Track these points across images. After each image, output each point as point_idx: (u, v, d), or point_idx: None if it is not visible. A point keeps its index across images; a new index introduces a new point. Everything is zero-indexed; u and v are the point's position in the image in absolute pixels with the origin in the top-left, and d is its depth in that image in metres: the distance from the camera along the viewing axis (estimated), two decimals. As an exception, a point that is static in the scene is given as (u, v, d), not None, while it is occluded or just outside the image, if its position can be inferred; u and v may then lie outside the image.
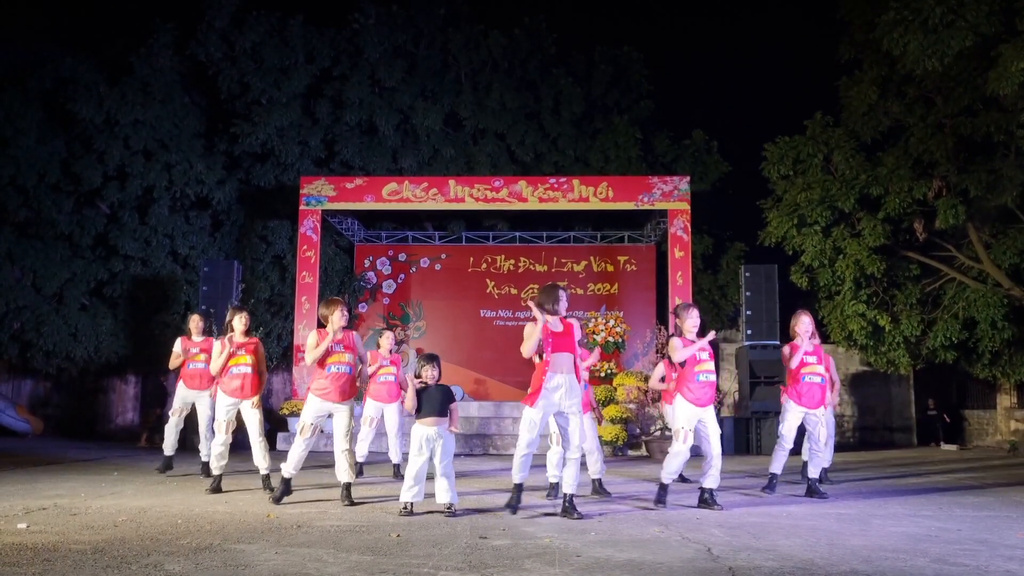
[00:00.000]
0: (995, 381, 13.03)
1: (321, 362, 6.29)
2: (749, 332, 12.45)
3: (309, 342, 6.35)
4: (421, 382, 5.93)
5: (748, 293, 12.59)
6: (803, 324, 7.09)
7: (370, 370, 8.20)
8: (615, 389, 12.05)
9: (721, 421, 12.01)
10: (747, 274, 12.71)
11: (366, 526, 5.16)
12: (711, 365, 6.24)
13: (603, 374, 12.51)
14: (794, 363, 7.02)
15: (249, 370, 6.94)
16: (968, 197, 11.06)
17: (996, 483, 8.09)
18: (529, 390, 5.78)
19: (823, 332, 12.88)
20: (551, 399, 5.65)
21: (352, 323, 14.67)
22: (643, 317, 14.56)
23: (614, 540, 4.74)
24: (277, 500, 6.16)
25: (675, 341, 6.33)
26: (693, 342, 6.24)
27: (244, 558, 4.13)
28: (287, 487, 6.28)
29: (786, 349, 7.15)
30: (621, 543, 4.65)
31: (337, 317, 6.35)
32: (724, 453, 11.56)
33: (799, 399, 7.01)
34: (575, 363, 5.75)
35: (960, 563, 4.16)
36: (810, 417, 7.01)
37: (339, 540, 4.66)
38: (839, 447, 13.18)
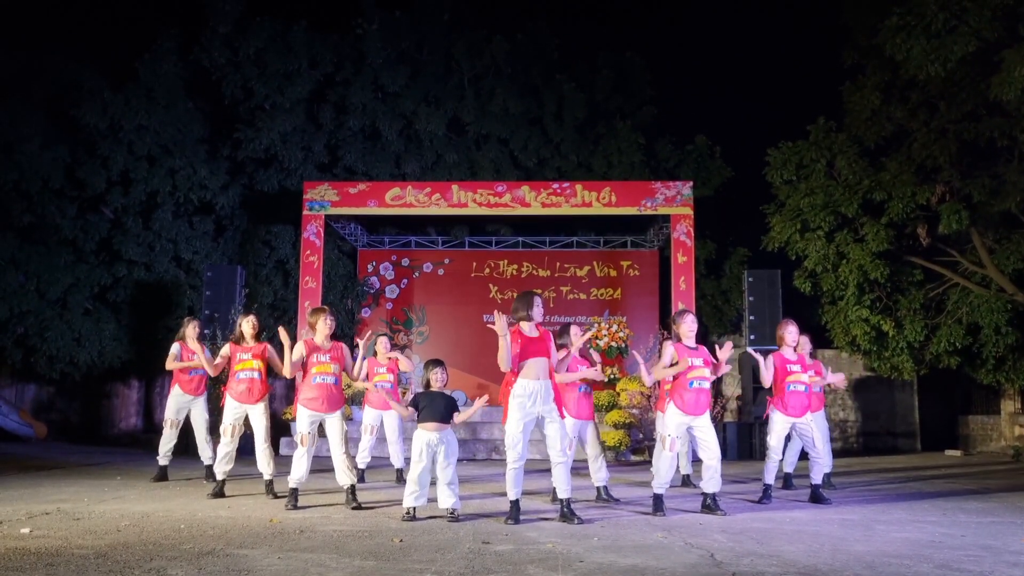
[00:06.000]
0: (999, 387, 12.98)
1: (306, 372, 6.34)
2: (752, 337, 12.44)
3: (293, 352, 6.42)
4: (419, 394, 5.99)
5: (751, 298, 12.57)
6: (791, 334, 7.08)
7: (364, 384, 8.20)
8: (618, 394, 12.04)
9: (724, 426, 12.06)
10: (750, 279, 12.69)
11: (368, 531, 5.16)
12: (705, 372, 6.12)
13: (607, 379, 12.50)
14: (768, 378, 6.98)
15: (256, 375, 6.96)
16: (971, 202, 11.04)
17: (1000, 489, 8.07)
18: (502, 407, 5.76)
19: (826, 338, 12.90)
20: (525, 407, 5.56)
21: (355, 328, 14.86)
22: (646, 322, 14.54)
23: (617, 545, 4.74)
24: (293, 507, 6.19)
25: (667, 345, 6.32)
26: (688, 347, 6.19)
27: (247, 563, 4.14)
28: (295, 496, 6.30)
29: (771, 359, 7.13)
30: (624, 548, 4.64)
31: (322, 326, 6.37)
32: (727, 459, 11.56)
33: (785, 409, 6.97)
34: (550, 369, 5.68)
35: (964, 569, 4.15)
36: (799, 426, 6.99)
37: (341, 545, 4.66)
38: (843, 452, 13.21)
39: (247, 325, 7.07)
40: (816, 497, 6.87)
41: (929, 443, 14.33)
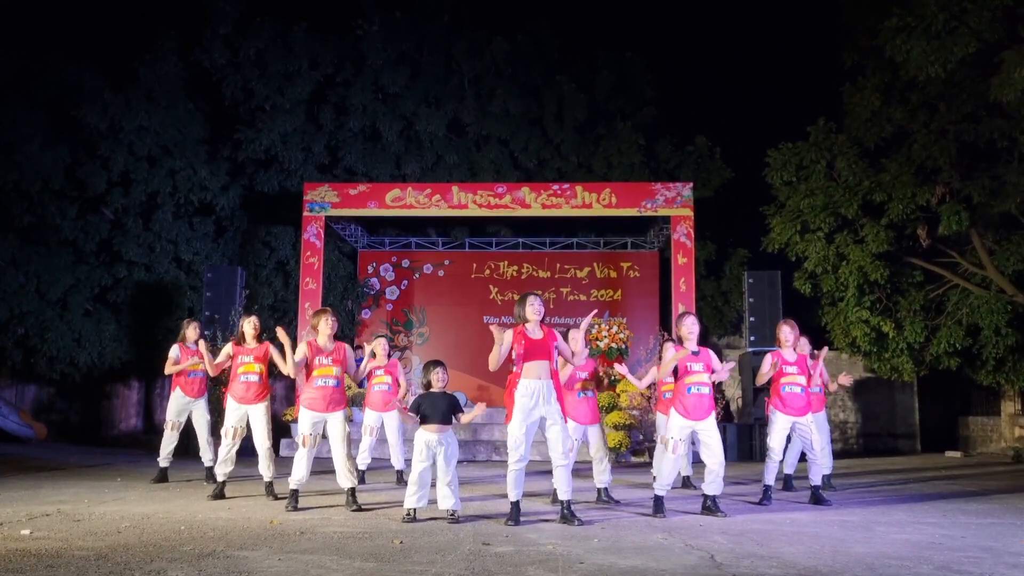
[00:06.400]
0: (999, 388, 12.98)
1: (308, 374, 6.35)
2: (752, 339, 12.43)
3: (296, 353, 6.41)
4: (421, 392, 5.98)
5: (751, 299, 12.57)
6: (783, 333, 7.12)
7: (363, 374, 8.20)
8: (618, 396, 12.04)
9: (724, 428, 12.04)
10: (750, 280, 12.69)
11: (369, 532, 5.16)
12: (703, 377, 6.11)
13: (607, 380, 12.49)
14: (764, 375, 7.05)
15: (256, 378, 6.96)
16: (971, 203, 11.04)
17: (1000, 490, 8.07)
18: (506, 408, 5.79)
19: (826, 339, 12.89)
20: (528, 407, 5.58)
21: (355, 329, 14.86)
22: (646, 323, 14.55)
23: (617, 547, 4.74)
24: (294, 509, 6.19)
25: (668, 346, 6.35)
26: (688, 351, 6.19)
27: (247, 565, 4.14)
28: (295, 498, 6.30)
29: (768, 358, 7.16)
30: (624, 550, 4.64)
31: (324, 327, 6.36)
32: (727, 460, 11.54)
33: (783, 407, 7.00)
34: (552, 370, 5.66)
35: (964, 570, 4.15)
36: (799, 426, 6.99)
37: (342, 546, 4.66)
38: (843, 454, 13.21)
39: (248, 326, 7.09)
40: (816, 498, 6.87)
41: (929, 444, 14.33)
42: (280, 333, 6.35)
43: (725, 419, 12.80)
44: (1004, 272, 11.23)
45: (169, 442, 8.31)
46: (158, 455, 8.32)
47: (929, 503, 6.97)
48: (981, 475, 9.78)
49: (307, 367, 6.41)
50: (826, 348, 6.82)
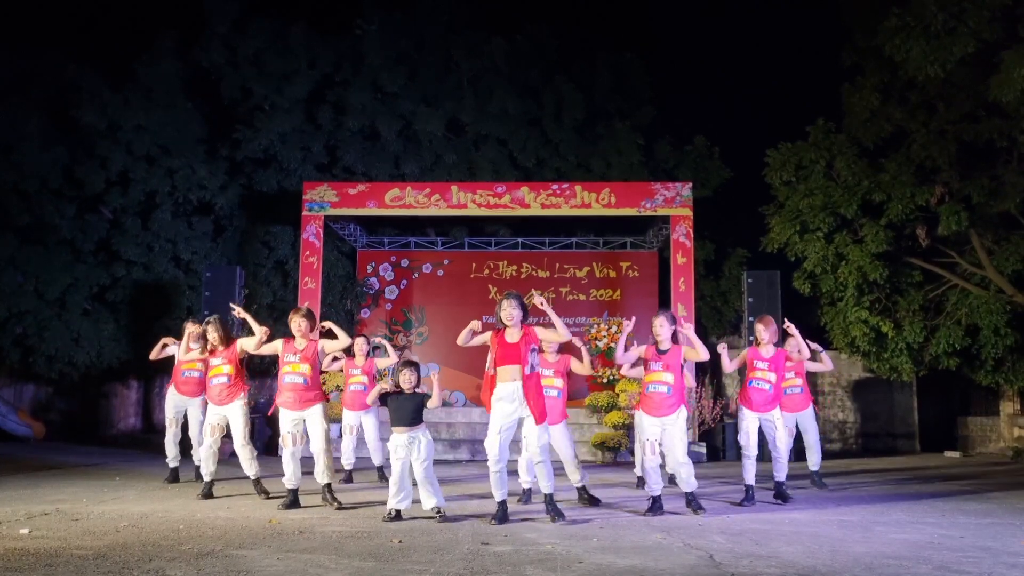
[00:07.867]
0: (998, 388, 13.00)
1: (279, 370, 6.48)
2: (751, 339, 12.40)
3: (267, 347, 6.59)
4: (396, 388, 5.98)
5: (750, 299, 12.56)
6: (757, 330, 7.17)
7: (337, 366, 8.28)
8: (617, 395, 12.04)
9: (723, 427, 12.05)
10: (749, 280, 12.68)
11: (368, 532, 5.16)
12: (664, 376, 6.17)
13: (605, 380, 12.50)
14: (727, 365, 6.96)
15: (226, 379, 6.99)
16: (971, 203, 11.05)
17: (999, 490, 8.07)
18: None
19: (825, 339, 12.90)
20: (505, 410, 5.67)
21: (354, 329, 14.83)
22: (646, 323, 14.33)
23: (616, 546, 4.74)
24: (286, 507, 6.25)
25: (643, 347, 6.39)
26: (657, 351, 6.24)
27: (246, 564, 4.13)
28: (294, 497, 6.33)
29: (744, 353, 7.22)
30: (623, 549, 4.64)
31: (293, 326, 6.46)
32: (725, 460, 11.55)
33: (750, 404, 7.03)
34: (524, 374, 5.67)
35: (963, 570, 4.15)
36: (764, 422, 7.01)
37: (341, 546, 4.66)
38: (842, 453, 13.21)
39: (212, 334, 7.11)
40: (780, 495, 6.93)
41: (928, 444, 14.34)
42: (235, 310, 6.76)
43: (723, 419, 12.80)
44: (1003, 272, 11.24)
45: (172, 442, 8.29)
46: (166, 457, 8.28)
47: (928, 503, 6.97)
48: (980, 475, 9.79)
49: (278, 362, 6.54)
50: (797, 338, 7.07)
